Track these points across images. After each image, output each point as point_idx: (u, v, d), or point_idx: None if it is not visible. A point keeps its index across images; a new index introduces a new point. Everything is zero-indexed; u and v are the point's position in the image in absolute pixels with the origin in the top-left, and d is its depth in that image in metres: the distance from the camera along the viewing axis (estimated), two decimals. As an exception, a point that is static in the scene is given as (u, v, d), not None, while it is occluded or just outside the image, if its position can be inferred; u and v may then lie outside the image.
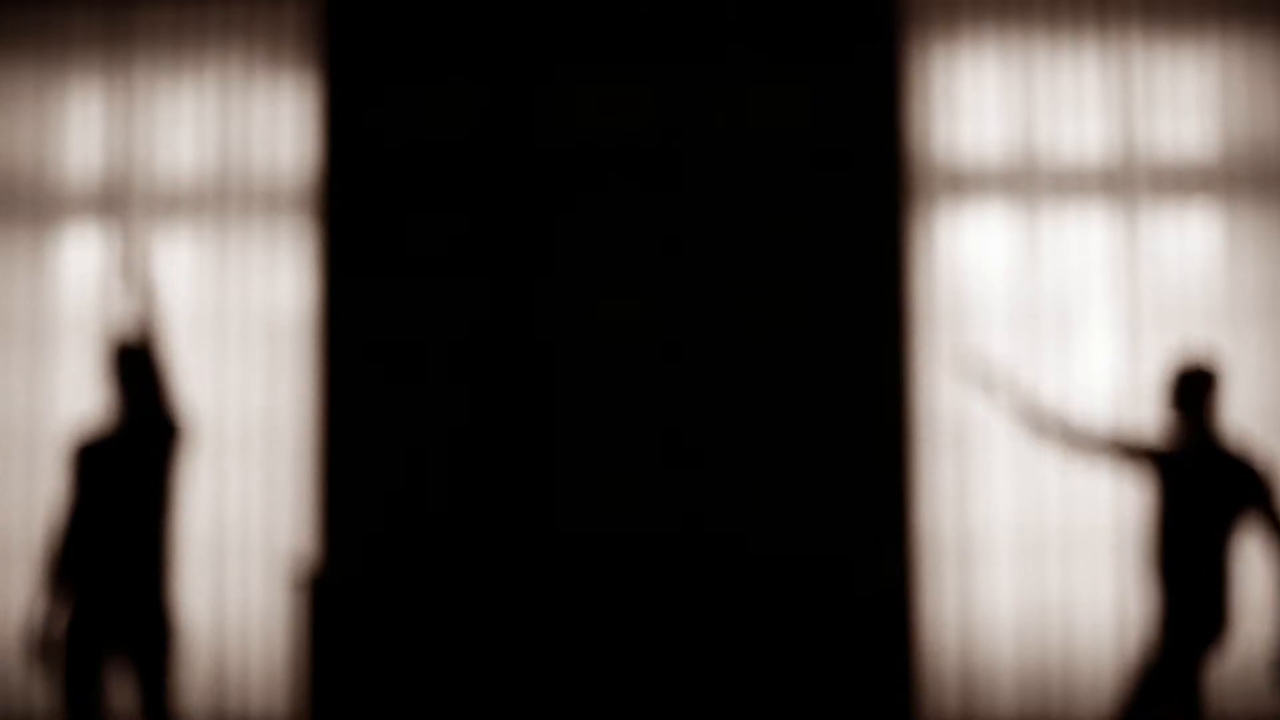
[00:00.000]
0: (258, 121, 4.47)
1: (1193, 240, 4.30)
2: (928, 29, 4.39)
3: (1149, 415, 4.23)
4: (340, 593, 4.26)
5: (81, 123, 4.50)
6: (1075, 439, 3.67)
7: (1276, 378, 4.26)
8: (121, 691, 4.23)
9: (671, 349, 4.32)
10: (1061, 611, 4.21)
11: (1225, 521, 3.43)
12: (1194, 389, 3.52)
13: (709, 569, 4.23)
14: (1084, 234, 4.31)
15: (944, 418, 4.27)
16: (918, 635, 4.21)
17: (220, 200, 4.44)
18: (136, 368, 3.52)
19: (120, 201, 4.45)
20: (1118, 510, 4.22)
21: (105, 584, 3.47)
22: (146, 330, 3.56)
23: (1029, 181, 4.33)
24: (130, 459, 3.48)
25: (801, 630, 4.18)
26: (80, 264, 4.46)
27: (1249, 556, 4.22)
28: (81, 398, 4.40)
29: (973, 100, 4.36)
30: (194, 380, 4.39)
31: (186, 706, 4.30)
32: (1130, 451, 3.59)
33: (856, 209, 4.33)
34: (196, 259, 4.43)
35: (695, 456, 4.29)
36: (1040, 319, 4.29)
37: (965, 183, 4.34)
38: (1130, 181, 4.32)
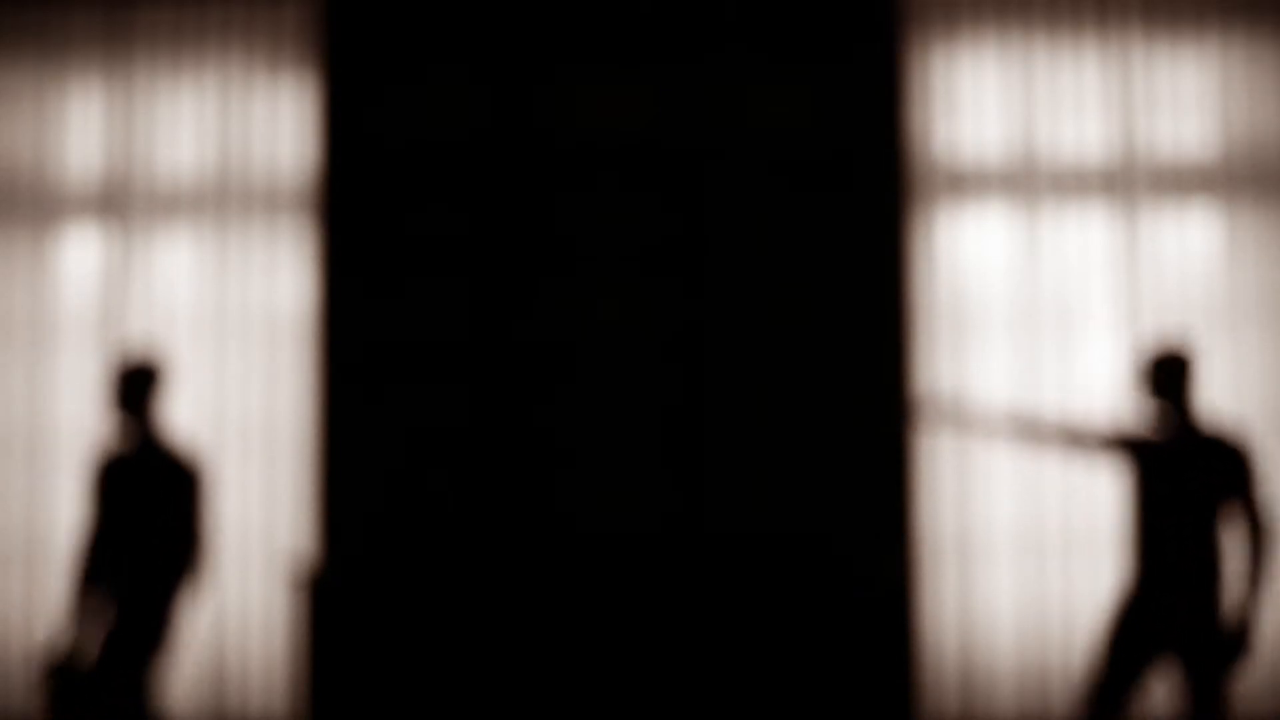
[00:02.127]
0: (258, 121, 4.47)
1: (1193, 240, 4.30)
2: (928, 29, 4.39)
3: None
4: (340, 593, 4.26)
5: (81, 123, 4.50)
6: (1058, 438, 3.66)
7: (1277, 377, 4.26)
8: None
9: (671, 348, 4.32)
10: (1061, 611, 4.21)
11: (1211, 505, 3.44)
12: (1171, 375, 3.51)
13: (709, 568, 4.23)
14: (1084, 234, 4.31)
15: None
16: (918, 635, 4.21)
17: (220, 200, 4.44)
18: (140, 389, 3.59)
19: (120, 201, 4.45)
20: (1118, 510, 4.22)
21: (128, 600, 3.51)
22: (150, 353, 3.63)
23: (1029, 181, 4.33)
24: (149, 484, 3.55)
25: (802, 630, 4.18)
26: (80, 264, 4.46)
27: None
28: (82, 398, 4.41)
29: (973, 100, 4.36)
30: (194, 380, 4.39)
31: (186, 707, 4.30)
32: (1111, 442, 3.58)
33: (856, 209, 4.33)
34: (196, 259, 4.43)
35: (695, 456, 4.29)
36: (1040, 319, 4.29)
37: (965, 183, 4.34)
38: (1130, 181, 4.32)
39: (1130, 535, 3.52)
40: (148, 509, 3.55)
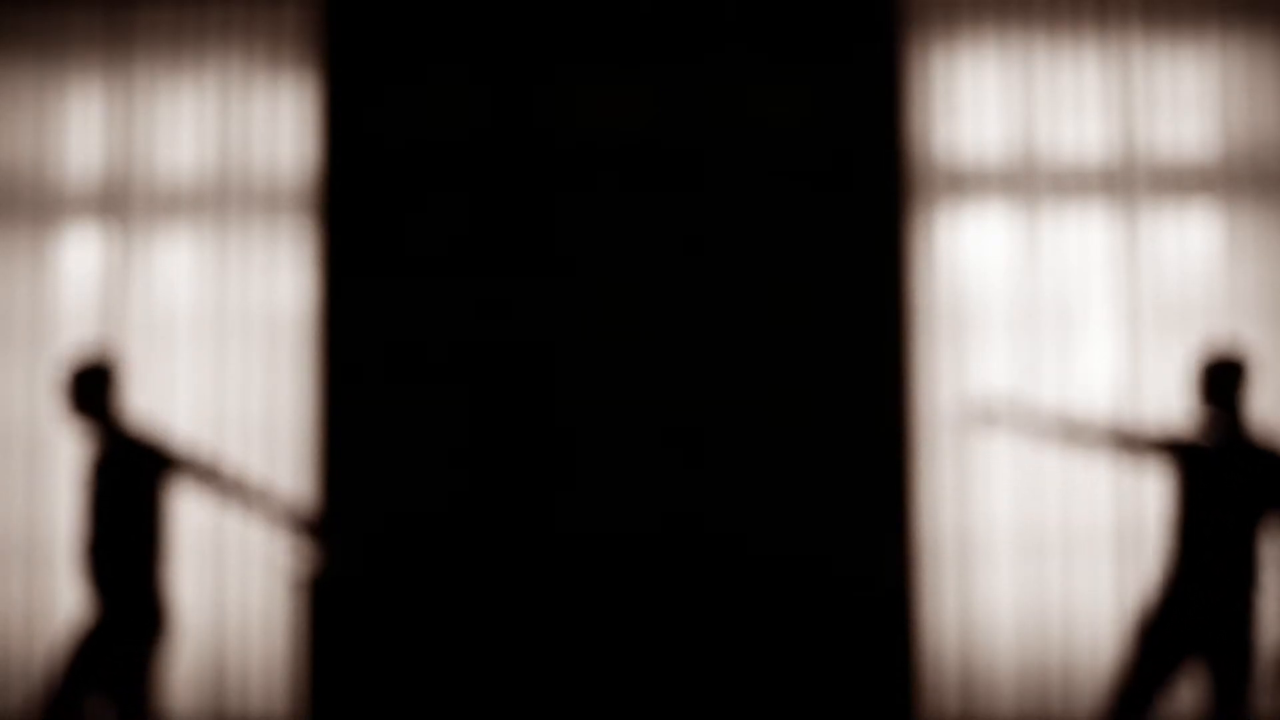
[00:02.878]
0: (258, 121, 4.47)
1: (1193, 240, 4.30)
2: (928, 29, 4.39)
3: (1148, 415, 4.23)
4: (340, 593, 4.26)
5: (81, 123, 4.49)
6: (1107, 441, 3.64)
7: (1277, 377, 4.26)
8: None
9: (671, 349, 4.32)
10: (1061, 611, 4.21)
11: (1254, 513, 3.43)
12: (1224, 381, 3.50)
13: (709, 569, 4.23)
14: (1084, 234, 4.31)
15: (944, 417, 4.27)
16: (918, 635, 4.21)
17: (220, 200, 4.44)
18: (94, 388, 3.55)
19: (120, 201, 4.45)
20: (1118, 510, 4.22)
21: (108, 587, 3.51)
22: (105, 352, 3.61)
23: (1029, 181, 4.33)
24: (119, 473, 3.52)
25: (801, 630, 4.18)
26: (80, 264, 4.46)
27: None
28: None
29: (973, 100, 4.36)
30: (194, 380, 4.38)
31: (186, 707, 4.30)
32: (1161, 445, 3.57)
33: (856, 209, 4.33)
34: (196, 259, 4.43)
35: (695, 456, 4.29)
36: (1040, 319, 4.29)
37: (965, 183, 4.34)
38: (1130, 181, 4.32)
39: (1171, 537, 3.52)
40: (121, 501, 3.53)
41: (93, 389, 3.56)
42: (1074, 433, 3.68)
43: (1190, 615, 3.44)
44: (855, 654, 4.16)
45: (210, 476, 3.56)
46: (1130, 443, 3.61)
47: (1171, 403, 4.23)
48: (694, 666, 4.20)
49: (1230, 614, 3.40)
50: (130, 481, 3.53)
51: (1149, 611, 3.50)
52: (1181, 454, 3.52)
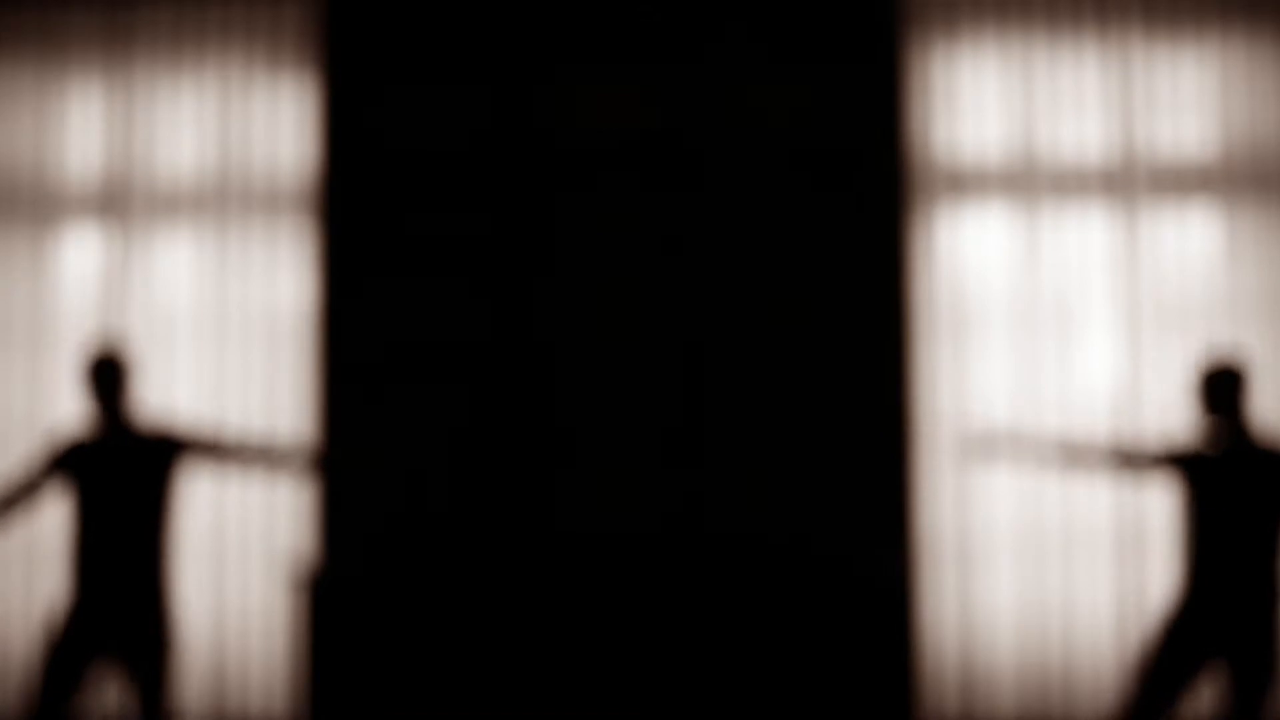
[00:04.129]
0: (258, 121, 4.47)
1: (1193, 240, 4.30)
2: (928, 29, 4.39)
3: (1148, 416, 4.23)
4: (340, 593, 4.26)
5: (81, 123, 4.49)
6: (1108, 461, 3.64)
7: (1276, 377, 4.26)
8: (111, 694, 4.24)
9: (671, 349, 4.32)
10: (1061, 611, 4.21)
11: (1268, 518, 3.43)
12: (1224, 389, 3.51)
13: (709, 569, 4.23)
14: (1084, 234, 4.31)
15: (944, 417, 4.27)
16: (918, 635, 4.21)
17: (220, 200, 4.44)
18: (111, 377, 3.57)
19: (120, 201, 4.45)
20: (1118, 510, 4.22)
21: (104, 587, 3.50)
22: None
23: (1029, 181, 4.33)
24: (135, 465, 3.54)
25: (802, 630, 4.18)
26: (80, 264, 4.46)
27: None
28: (81, 398, 4.40)
29: (973, 100, 4.36)
30: (194, 380, 4.39)
31: (186, 707, 4.30)
32: (1164, 460, 3.56)
33: (856, 209, 4.33)
34: (196, 259, 4.43)
35: (695, 456, 4.29)
36: (1040, 319, 4.29)
37: (965, 183, 4.34)
38: (1130, 181, 4.32)
39: (1184, 549, 3.51)
40: (134, 490, 3.55)
41: (110, 381, 3.58)
42: (1075, 456, 3.69)
43: (1209, 626, 3.44)
44: (855, 653, 4.16)
45: (216, 449, 3.60)
46: (1133, 461, 3.61)
47: (1171, 403, 4.23)
48: (694, 666, 4.20)
49: (1251, 620, 3.40)
50: (146, 475, 3.55)
51: (1165, 626, 3.49)
52: (1187, 466, 3.51)
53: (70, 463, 3.55)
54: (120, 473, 3.54)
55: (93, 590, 3.49)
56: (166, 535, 3.58)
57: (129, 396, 3.63)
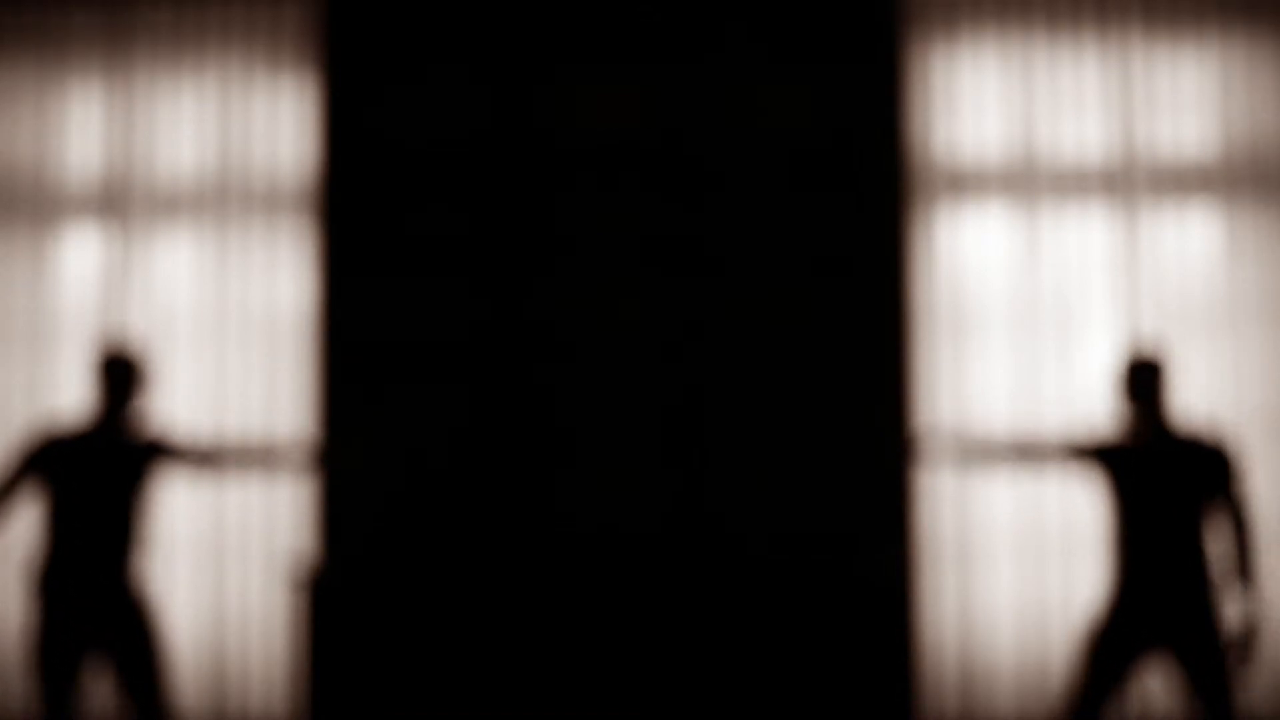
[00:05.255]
0: (258, 121, 4.47)
1: (1193, 240, 4.30)
2: (928, 29, 4.39)
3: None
4: (340, 593, 4.26)
5: (81, 123, 4.49)
6: (1053, 455, 3.66)
7: (1276, 377, 4.26)
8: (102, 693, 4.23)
9: (671, 348, 4.33)
10: (1061, 611, 4.21)
11: (1194, 506, 3.45)
12: (1145, 380, 3.54)
13: (709, 568, 4.23)
14: (1084, 234, 4.31)
15: (943, 417, 4.27)
16: (918, 635, 4.21)
17: (220, 200, 4.44)
18: (122, 377, 3.59)
19: (120, 201, 4.45)
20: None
21: (74, 586, 3.50)
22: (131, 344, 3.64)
23: (1029, 181, 4.33)
24: (110, 465, 3.54)
25: (801, 629, 4.18)
26: (80, 264, 4.46)
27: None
28: (81, 398, 4.40)
29: (973, 100, 4.36)
30: (193, 380, 4.39)
31: (185, 707, 4.31)
32: (1087, 452, 3.59)
33: (856, 209, 4.33)
34: (196, 259, 4.43)
35: (695, 456, 4.29)
36: (1040, 319, 4.29)
37: (965, 183, 4.34)
38: (1130, 181, 4.32)
39: (1112, 543, 3.53)
40: (110, 488, 3.56)
41: (120, 381, 3.59)
42: (1025, 452, 3.70)
43: (1146, 620, 3.45)
44: (855, 653, 4.16)
45: (206, 459, 3.61)
46: (1056, 453, 3.64)
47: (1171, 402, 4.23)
48: (694, 665, 4.20)
49: (1192, 609, 3.41)
50: (120, 476, 3.56)
51: (1099, 622, 3.50)
52: (1108, 457, 3.54)
53: (45, 459, 3.56)
54: (94, 472, 3.55)
55: (63, 590, 3.49)
56: (137, 536, 3.59)
57: (137, 400, 3.64)
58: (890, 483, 4.25)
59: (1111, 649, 3.48)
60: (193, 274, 4.43)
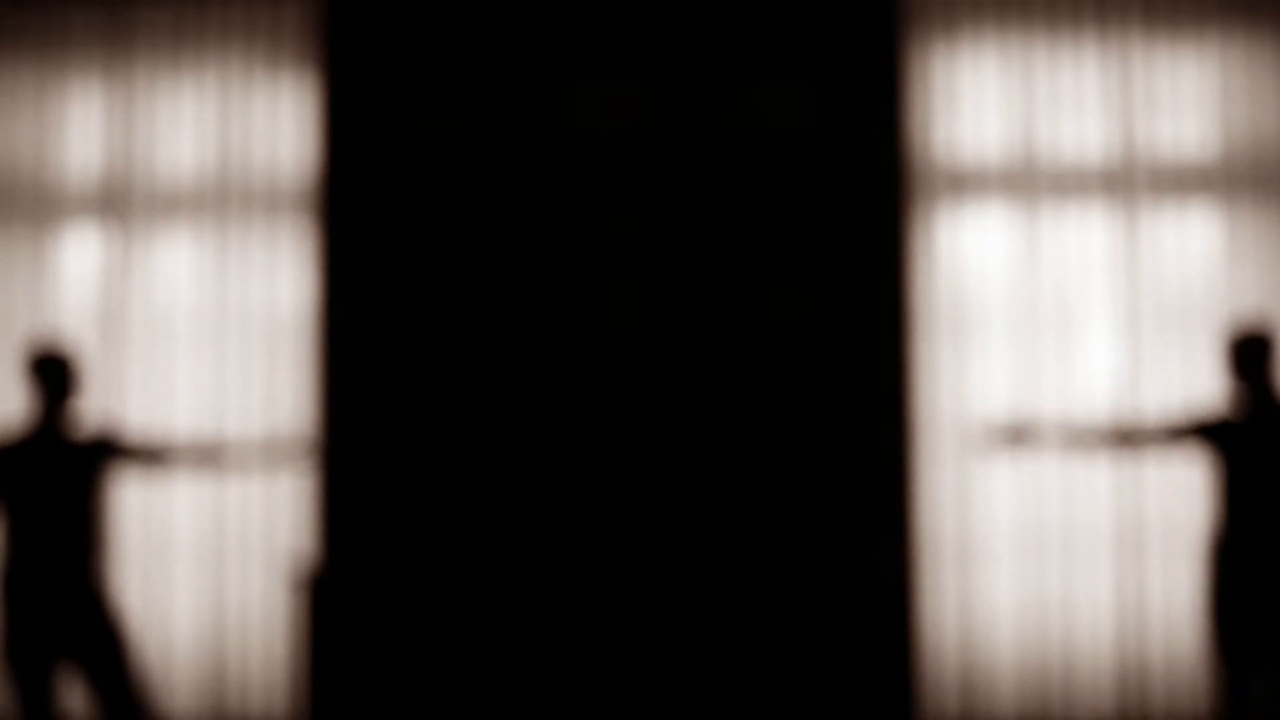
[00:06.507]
0: (258, 121, 4.47)
1: (1193, 240, 4.30)
2: (928, 29, 4.39)
3: (1148, 415, 4.23)
4: (340, 593, 4.26)
5: (81, 123, 4.49)
6: (1121, 441, 3.71)
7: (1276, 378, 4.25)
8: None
9: (672, 349, 4.32)
10: (1061, 611, 4.21)
11: None
12: (1253, 354, 3.58)
13: (709, 569, 4.22)
14: (1084, 234, 4.31)
15: (944, 417, 4.27)
16: (918, 635, 4.21)
17: (220, 200, 4.44)
18: (58, 375, 3.55)
19: (120, 201, 4.45)
20: (1118, 510, 4.22)
21: (36, 593, 3.47)
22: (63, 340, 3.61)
23: (1029, 181, 4.33)
24: (60, 465, 3.50)
25: (801, 630, 4.18)
26: (80, 264, 4.46)
27: None
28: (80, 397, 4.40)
29: (973, 100, 4.36)
30: (193, 380, 4.38)
31: (185, 707, 4.30)
32: (1184, 432, 3.64)
33: (856, 209, 4.33)
34: (196, 259, 4.43)
35: (695, 456, 4.29)
36: (1040, 319, 4.29)
37: (965, 183, 4.34)
38: (1130, 181, 4.32)
39: (1218, 518, 3.57)
40: (67, 490, 3.53)
41: (54, 379, 3.56)
42: (1087, 439, 3.76)
43: (1256, 580, 3.50)
44: (855, 654, 4.16)
45: (159, 455, 3.57)
46: (1149, 438, 3.68)
47: (1171, 402, 4.22)
48: (694, 666, 4.19)
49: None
50: (74, 479, 3.53)
51: (1223, 597, 3.54)
52: (1214, 434, 3.58)
53: None
54: (43, 475, 3.50)
55: (26, 595, 3.45)
56: (95, 536, 3.54)
57: (73, 398, 3.59)
58: (891, 483, 4.25)
59: (1237, 616, 3.51)
60: (192, 274, 4.43)
